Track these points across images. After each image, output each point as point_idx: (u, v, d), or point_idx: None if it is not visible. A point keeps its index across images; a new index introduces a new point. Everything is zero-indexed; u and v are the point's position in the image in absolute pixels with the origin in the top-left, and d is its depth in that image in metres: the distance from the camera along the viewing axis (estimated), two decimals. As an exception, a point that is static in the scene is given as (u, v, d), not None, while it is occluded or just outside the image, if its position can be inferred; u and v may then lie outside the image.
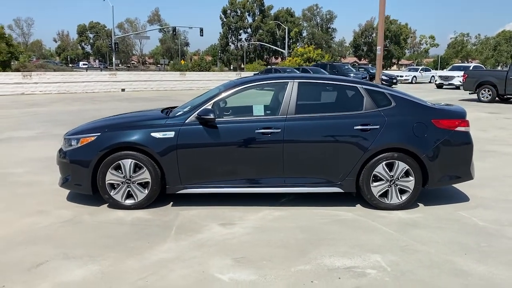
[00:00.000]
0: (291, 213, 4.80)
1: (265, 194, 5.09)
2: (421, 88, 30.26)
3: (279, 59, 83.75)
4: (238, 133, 4.77)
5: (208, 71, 49.16)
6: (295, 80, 5.01)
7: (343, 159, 4.79)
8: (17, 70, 39.27)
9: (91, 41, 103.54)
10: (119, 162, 4.73)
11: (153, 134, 4.73)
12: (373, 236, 4.15)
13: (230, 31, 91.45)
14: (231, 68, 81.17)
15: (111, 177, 4.76)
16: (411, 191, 4.86)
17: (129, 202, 4.82)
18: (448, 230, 4.33)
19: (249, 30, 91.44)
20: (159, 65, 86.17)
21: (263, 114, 5.07)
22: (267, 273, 3.38)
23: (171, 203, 5.05)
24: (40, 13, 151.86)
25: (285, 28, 74.32)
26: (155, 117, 5.08)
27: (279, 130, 4.73)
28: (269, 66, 34.82)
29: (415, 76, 39.07)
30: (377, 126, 4.80)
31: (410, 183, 4.85)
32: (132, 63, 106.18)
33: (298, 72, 26.68)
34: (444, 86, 29.30)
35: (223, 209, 4.86)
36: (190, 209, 4.86)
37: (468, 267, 3.54)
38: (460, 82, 23.80)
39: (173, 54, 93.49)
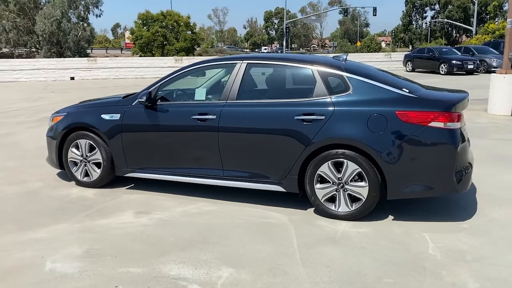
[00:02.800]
0: (223, 208, 4.36)
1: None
2: None
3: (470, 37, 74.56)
4: (176, 119, 4.52)
5: (378, 51, 47.04)
6: (243, 61, 4.46)
7: (283, 154, 4.12)
8: (200, 55, 44.14)
9: (275, 26, 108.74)
10: (77, 141, 4.96)
11: (102, 116, 4.82)
12: (270, 247, 3.51)
13: (415, 9, 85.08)
14: (411, 48, 75.61)
15: (72, 155, 5.03)
16: (364, 200, 3.91)
17: (85, 180, 5.03)
18: (381, 255, 3.38)
19: (436, 6, 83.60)
20: (327, 48, 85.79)
21: (204, 98, 4.66)
22: (89, 268, 3.18)
23: (132, 185, 5.09)
24: (235, 2, 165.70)
25: (474, 2, 65.54)
26: (113, 100, 5.14)
27: (214, 117, 4.31)
28: (428, 46, 30.82)
29: None
30: (322, 117, 3.97)
31: (363, 189, 3.90)
32: (313, 47, 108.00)
33: (459, 53, 23.49)
34: None
35: (163, 197, 4.71)
36: (135, 194, 4.83)
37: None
38: None
39: (351, 35, 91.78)
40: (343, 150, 3.91)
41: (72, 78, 21.51)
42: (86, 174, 5.03)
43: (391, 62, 26.12)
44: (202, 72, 4.95)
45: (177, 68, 4.86)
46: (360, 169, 3.88)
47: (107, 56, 39.58)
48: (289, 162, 4.10)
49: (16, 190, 4.99)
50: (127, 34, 53.58)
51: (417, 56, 24.12)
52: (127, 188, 5.01)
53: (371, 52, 44.23)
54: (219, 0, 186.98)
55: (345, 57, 4.56)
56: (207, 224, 3.97)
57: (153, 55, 41.06)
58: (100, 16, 43.08)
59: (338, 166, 3.97)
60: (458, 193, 3.95)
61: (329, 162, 3.97)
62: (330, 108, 3.98)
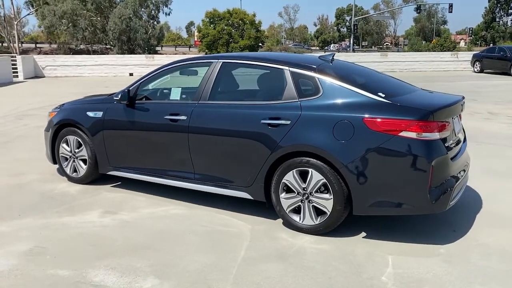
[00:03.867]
0: (191, 213, 4.21)
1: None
2: None
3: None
4: (150, 118, 4.42)
5: (452, 50, 44.40)
6: (219, 60, 4.27)
7: (249, 159, 3.88)
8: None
9: (347, 23, 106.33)
10: (66, 137, 5.04)
11: (88, 113, 4.84)
12: (211, 259, 3.30)
13: (499, 5, 79.30)
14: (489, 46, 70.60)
15: (62, 150, 5.13)
16: (328, 213, 3.58)
17: (74, 175, 5.10)
18: (324, 278, 3.06)
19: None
20: (400, 46, 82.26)
21: (178, 98, 4.52)
22: (21, 267, 3.15)
23: (119, 183, 5.08)
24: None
25: None
26: (100, 97, 5.15)
27: (185, 118, 4.17)
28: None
29: None
30: (288, 122, 3.68)
31: (327, 202, 3.57)
32: (386, 44, 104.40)
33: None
34: None
35: (141, 197, 4.65)
36: (116, 192, 4.81)
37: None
38: None
39: (427, 33, 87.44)
40: (308, 158, 3.60)
41: (131, 74, 22.37)
42: (75, 170, 5.09)
43: (458, 62, 24.42)
44: (194, 71, 4.81)
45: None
46: (325, 180, 3.54)
47: (175, 54, 40.93)
48: (255, 168, 3.85)
49: (10, 182, 5.16)
50: (197, 32, 54.97)
51: (486, 56, 22.34)
52: (111, 186, 5.01)
53: (444, 51, 41.80)
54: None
55: (330, 57, 4.20)
56: (164, 229, 3.83)
57: (218, 53, 41.74)
58: (169, 14, 44.71)
59: (303, 175, 3.66)
60: (434, 212, 3.47)
61: (294, 170, 3.67)
62: (297, 113, 3.68)
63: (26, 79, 20.35)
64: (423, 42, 69.20)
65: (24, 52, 42.07)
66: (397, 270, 3.11)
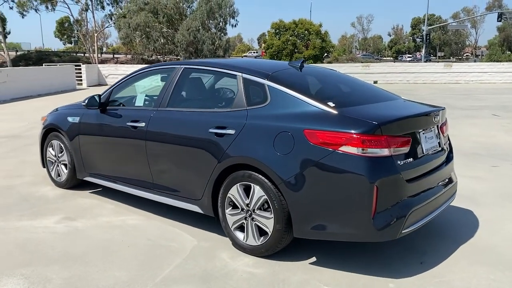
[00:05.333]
0: (144, 224, 4.06)
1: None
2: None
3: None
4: (116, 124, 4.33)
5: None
6: (181, 66, 4.09)
7: (198, 171, 3.65)
8: (329, 62, 43.57)
9: (422, 33, 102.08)
10: (51, 141, 5.11)
11: (68, 118, 4.87)
12: (128, 276, 3.10)
13: None
14: None
15: (49, 154, 5.21)
16: (269, 233, 3.24)
17: (57, 180, 5.15)
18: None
19: None
20: (476, 57, 77.16)
21: (141, 104, 4.37)
22: None
23: (100, 189, 5.06)
24: (381, 9, 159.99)
25: None
26: (80, 103, 5.14)
27: (143, 125, 4.03)
28: None
29: None
30: (233, 131, 3.40)
31: (268, 221, 3.24)
32: (466, 55, 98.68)
33: None
34: None
35: (111, 205, 4.57)
36: (91, 198, 4.79)
37: None
38: None
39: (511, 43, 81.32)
40: (251, 172, 3.29)
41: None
42: (58, 174, 5.13)
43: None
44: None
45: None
46: (266, 197, 3.21)
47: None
48: (203, 180, 3.60)
49: (1, 184, 5.31)
50: (263, 43, 55.51)
51: None
52: (90, 192, 4.98)
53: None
54: (365, 7, 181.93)
55: (298, 64, 3.86)
56: (107, 240, 3.68)
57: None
58: (235, 26, 45.40)
59: (248, 191, 3.35)
60: (381, 241, 3.00)
61: (238, 184, 3.38)
62: (242, 122, 3.38)
63: (89, 86, 21.56)
64: (507, 52, 64.45)
65: (102, 62, 44.89)
66: (323, 305, 2.70)
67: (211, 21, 43.25)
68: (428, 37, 48.61)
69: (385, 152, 2.90)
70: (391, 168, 2.91)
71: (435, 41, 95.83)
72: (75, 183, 5.03)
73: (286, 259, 3.30)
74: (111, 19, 49.92)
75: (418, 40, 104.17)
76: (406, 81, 22.64)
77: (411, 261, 3.27)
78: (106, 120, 4.41)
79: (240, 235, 3.44)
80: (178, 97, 4.00)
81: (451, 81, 22.36)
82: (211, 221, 3.89)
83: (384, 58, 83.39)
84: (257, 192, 3.26)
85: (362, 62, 39.41)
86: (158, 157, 3.94)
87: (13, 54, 51.14)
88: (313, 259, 3.33)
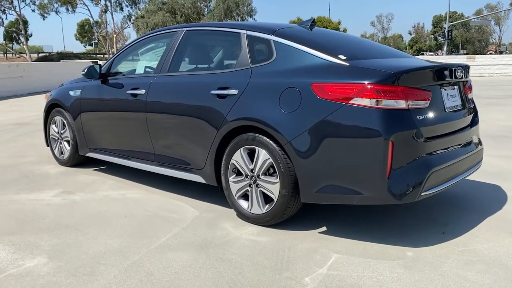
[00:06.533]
0: (145, 197, 3.83)
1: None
2: None
3: None
4: (116, 95, 4.12)
5: None
6: (184, 29, 3.84)
7: (200, 137, 3.41)
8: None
9: (443, 31, 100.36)
10: (54, 118, 4.94)
11: (70, 92, 4.68)
12: (122, 243, 2.86)
13: None
14: None
15: (52, 131, 5.03)
16: (275, 200, 2.97)
17: (61, 158, 4.97)
18: (233, 273, 2.50)
19: None
20: (500, 54, 75.25)
21: (142, 72, 4.15)
22: None
23: (104, 167, 4.87)
24: (401, 8, 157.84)
25: None
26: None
27: (143, 92, 3.81)
28: None
29: None
30: (236, 91, 3.15)
31: (274, 186, 2.97)
32: (489, 53, 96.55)
33: None
34: None
35: (112, 180, 4.37)
36: (94, 175, 4.59)
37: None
38: None
39: (537, 40, 79.06)
40: (255, 135, 3.02)
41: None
42: (61, 152, 4.95)
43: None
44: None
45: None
46: (271, 160, 2.94)
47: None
48: (206, 147, 3.35)
49: (4, 162, 5.16)
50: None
51: None
52: (93, 169, 4.79)
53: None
54: (384, 7, 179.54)
55: (308, 23, 3.59)
56: (103, 211, 3.46)
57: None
58: (253, 24, 45.19)
59: (252, 155, 3.09)
60: (398, 203, 2.69)
61: (242, 149, 3.12)
62: (246, 81, 3.12)
63: (106, 83, 21.56)
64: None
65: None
66: (331, 272, 2.42)
67: (229, 19, 43.21)
68: (449, 34, 47.55)
69: (402, 104, 2.60)
70: (408, 123, 2.61)
71: (457, 39, 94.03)
72: (78, 160, 4.84)
73: (295, 228, 3.03)
74: (130, 20, 50.39)
75: (439, 38, 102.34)
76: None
77: (431, 232, 2.96)
78: (106, 91, 4.21)
79: (244, 204, 3.18)
80: (179, 62, 3.76)
81: (474, 74, 21.60)
82: (215, 195, 3.63)
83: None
84: (262, 156, 2.99)
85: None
86: (159, 125, 3.70)
87: (35, 56, 52.05)
88: (323, 228, 3.04)
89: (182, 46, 3.76)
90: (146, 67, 4.16)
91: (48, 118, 5.03)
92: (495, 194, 3.75)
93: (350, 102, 2.61)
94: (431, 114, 2.77)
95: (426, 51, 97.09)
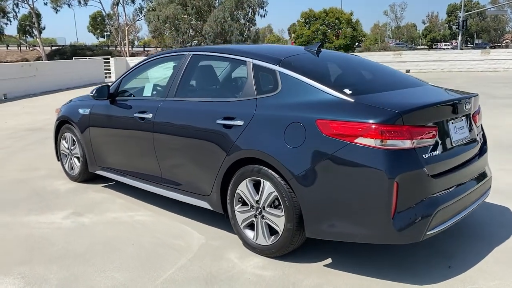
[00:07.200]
0: (153, 220, 3.87)
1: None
2: None
3: None
4: (124, 116, 4.14)
5: None
6: (190, 53, 3.85)
7: (207, 165, 3.42)
8: (361, 52, 42.56)
9: (458, 20, 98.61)
10: (64, 134, 5.00)
11: (79, 110, 4.73)
12: (125, 277, 2.91)
13: None
14: None
15: (62, 147, 5.10)
16: (280, 233, 2.99)
17: (71, 173, 5.04)
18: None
19: None
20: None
21: (149, 94, 4.16)
22: None
23: (113, 183, 4.92)
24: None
25: None
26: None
27: (150, 116, 3.83)
28: None
29: None
30: (241, 122, 3.15)
31: (279, 219, 2.98)
32: (505, 42, 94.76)
33: None
34: None
35: (122, 199, 4.41)
36: (104, 193, 4.65)
37: None
38: None
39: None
40: (260, 167, 3.03)
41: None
42: (72, 167, 5.02)
43: None
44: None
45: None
46: (276, 193, 2.95)
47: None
48: (212, 175, 3.37)
49: (17, 176, 5.25)
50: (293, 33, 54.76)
51: None
52: (102, 186, 4.84)
53: None
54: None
55: (315, 48, 3.56)
56: (112, 237, 3.51)
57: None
58: (264, 16, 44.88)
59: (257, 187, 3.10)
60: (402, 243, 2.68)
61: (247, 180, 3.13)
62: (251, 112, 3.12)
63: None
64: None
65: (132, 55, 45.40)
66: (335, 315, 2.42)
67: (239, 12, 42.92)
68: (464, 24, 46.70)
69: (407, 144, 2.58)
70: (414, 162, 2.59)
71: (473, 28, 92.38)
72: (88, 176, 4.89)
73: (300, 261, 3.04)
74: (141, 12, 50.41)
75: (454, 27, 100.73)
76: (441, 70, 21.74)
77: (437, 265, 2.95)
78: (114, 112, 4.24)
79: (250, 234, 3.19)
80: (186, 86, 3.77)
81: (488, 69, 21.30)
82: (222, 218, 3.66)
83: (419, 47, 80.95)
84: (267, 188, 3.00)
85: (395, 51, 38.27)
86: (166, 150, 3.73)
87: (48, 49, 52.45)
88: (329, 260, 3.05)
89: (189, 70, 3.76)
90: (153, 89, 4.16)
91: (59, 134, 5.08)
92: (504, 218, 3.71)
93: (355, 141, 2.60)
94: (437, 151, 2.75)
95: (440, 40, 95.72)
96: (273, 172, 2.94)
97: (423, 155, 2.64)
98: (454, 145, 2.91)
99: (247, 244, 3.21)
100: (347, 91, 2.86)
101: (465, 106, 2.98)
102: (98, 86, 4.35)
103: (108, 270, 2.97)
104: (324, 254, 3.13)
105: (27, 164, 5.82)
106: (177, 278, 2.85)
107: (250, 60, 3.34)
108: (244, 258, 3.10)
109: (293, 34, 52.19)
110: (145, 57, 4.26)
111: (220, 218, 3.68)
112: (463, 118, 3.07)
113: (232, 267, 2.99)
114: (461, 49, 44.87)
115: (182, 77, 3.75)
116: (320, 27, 43.43)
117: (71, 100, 5.21)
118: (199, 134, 3.42)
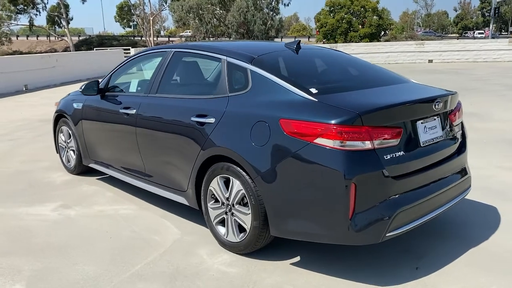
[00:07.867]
0: (136, 214, 3.96)
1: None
2: None
3: None
4: (111, 111, 4.23)
5: None
6: (172, 49, 3.89)
7: (183, 161, 3.48)
8: (387, 41, 41.74)
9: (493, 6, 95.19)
10: (61, 127, 5.14)
11: (73, 104, 4.85)
12: (97, 271, 2.99)
13: None
14: None
15: (60, 140, 5.25)
16: (248, 230, 3.02)
17: (67, 165, 5.19)
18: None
19: None
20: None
21: (134, 90, 4.22)
22: None
23: (107, 176, 5.03)
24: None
25: None
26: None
27: (134, 111, 3.90)
28: None
29: None
30: (213, 120, 3.18)
31: (246, 217, 3.02)
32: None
33: None
34: None
35: (111, 193, 4.52)
36: (96, 185, 4.77)
37: None
38: None
39: None
40: (230, 164, 3.05)
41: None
42: (69, 160, 5.16)
43: None
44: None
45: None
46: (244, 191, 2.98)
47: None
48: (187, 172, 3.42)
49: (18, 168, 5.44)
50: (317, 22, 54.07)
51: None
52: (97, 178, 4.97)
53: None
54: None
55: (294, 45, 3.54)
56: (93, 230, 3.62)
57: (336, 43, 40.56)
58: (288, 5, 44.53)
59: (228, 184, 3.13)
60: (362, 244, 2.67)
61: (218, 177, 3.17)
62: (222, 110, 3.14)
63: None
64: None
65: (157, 45, 45.82)
66: (287, 314, 2.44)
67: (262, 1, 42.64)
68: (497, 11, 45.07)
69: (367, 145, 2.55)
70: (373, 163, 2.56)
71: (507, 15, 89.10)
72: (83, 169, 5.02)
73: (269, 258, 3.06)
74: (166, 2, 50.75)
75: (487, 14, 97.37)
76: (465, 60, 21.11)
77: (405, 266, 2.92)
78: (103, 107, 4.33)
79: (222, 230, 3.24)
80: (167, 83, 3.81)
81: (515, 59, 20.62)
82: (200, 214, 3.71)
83: (449, 35, 78.70)
84: (236, 186, 3.02)
85: (422, 40, 37.31)
86: (148, 145, 3.80)
87: (76, 39, 53.54)
88: (297, 259, 3.06)
89: (170, 67, 3.80)
90: (138, 85, 4.22)
91: (57, 127, 5.23)
92: (487, 219, 3.63)
93: (315, 141, 2.59)
94: (401, 152, 2.70)
95: (472, 28, 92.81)
96: (240, 170, 2.96)
97: (385, 156, 2.61)
98: (422, 145, 2.86)
99: (219, 240, 3.26)
100: (313, 90, 2.84)
101: (436, 106, 2.91)
102: (87, 82, 4.43)
103: (80, 263, 3.06)
104: (294, 252, 3.14)
105: (32, 156, 6.02)
106: (144, 273, 2.92)
107: (225, 57, 3.35)
108: (214, 255, 3.15)
109: (317, 23, 51.57)
110: (134, 53, 4.31)
111: (200, 214, 3.73)
112: (435, 117, 3.00)
113: (200, 263, 3.04)
114: (492, 37, 43.43)
115: (163, 74, 3.80)
116: (345, 15, 42.73)
117: (69, 94, 5.33)
118: (176, 130, 3.47)
